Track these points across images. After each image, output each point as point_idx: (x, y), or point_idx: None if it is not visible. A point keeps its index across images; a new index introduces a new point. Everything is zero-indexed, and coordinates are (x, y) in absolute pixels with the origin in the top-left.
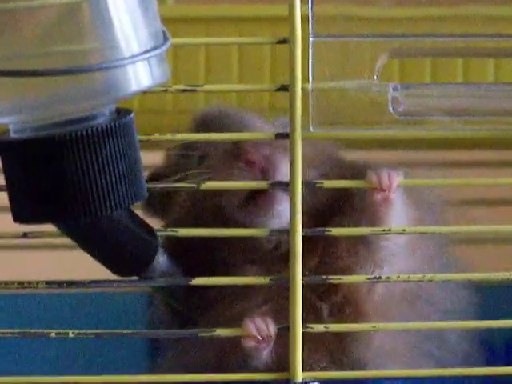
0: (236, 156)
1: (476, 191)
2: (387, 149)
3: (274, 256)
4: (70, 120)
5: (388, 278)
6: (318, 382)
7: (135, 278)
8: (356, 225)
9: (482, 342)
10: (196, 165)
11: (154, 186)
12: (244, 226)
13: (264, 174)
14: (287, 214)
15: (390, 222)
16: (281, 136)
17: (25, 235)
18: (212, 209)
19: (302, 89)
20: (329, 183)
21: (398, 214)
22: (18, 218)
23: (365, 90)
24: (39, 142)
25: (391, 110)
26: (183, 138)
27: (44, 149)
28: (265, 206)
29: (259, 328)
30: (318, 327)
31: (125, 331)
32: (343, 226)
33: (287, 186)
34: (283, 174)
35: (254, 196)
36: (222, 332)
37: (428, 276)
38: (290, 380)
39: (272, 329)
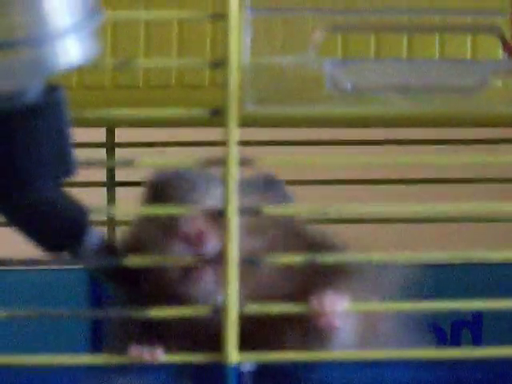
0: (172, 230)
1: (419, 170)
2: (326, 126)
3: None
4: None
5: (323, 257)
6: (253, 364)
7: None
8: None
9: (429, 324)
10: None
11: None
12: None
13: (197, 246)
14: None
15: (334, 346)
16: (215, 113)
17: None
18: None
19: (239, 64)
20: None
21: (342, 337)
22: None
23: (301, 65)
24: None
25: (329, 86)
26: (117, 113)
27: None
28: (199, 281)
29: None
30: (253, 308)
31: (55, 311)
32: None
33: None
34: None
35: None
36: (154, 313)
37: (361, 257)
38: (222, 362)
39: (159, 357)
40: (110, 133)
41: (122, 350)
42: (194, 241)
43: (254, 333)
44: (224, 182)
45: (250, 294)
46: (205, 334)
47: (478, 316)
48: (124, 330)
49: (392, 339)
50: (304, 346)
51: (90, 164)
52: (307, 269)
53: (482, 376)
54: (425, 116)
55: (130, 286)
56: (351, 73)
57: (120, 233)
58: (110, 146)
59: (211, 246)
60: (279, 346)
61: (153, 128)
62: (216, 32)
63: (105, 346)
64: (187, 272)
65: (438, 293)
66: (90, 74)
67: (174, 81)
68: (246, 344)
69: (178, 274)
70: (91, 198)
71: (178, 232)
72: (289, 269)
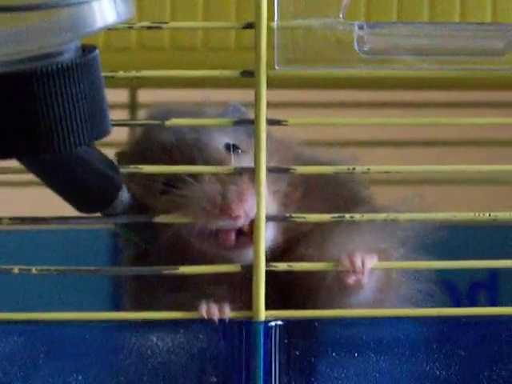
0: (220, 209)
1: (439, 131)
2: (353, 88)
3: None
4: (34, 56)
5: (352, 216)
6: (281, 321)
7: (98, 214)
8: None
9: (446, 284)
10: (161, 188)
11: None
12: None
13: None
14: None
15: (358, 304)
16: (246, 74)
17: None
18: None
19: (268, 27)
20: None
21: (367, 295)
22: None
23: (330, 28)
24: (3, 77)
25: (357, 48)
26: (147, 74)
27: (8, 84)
28: (230, 248)
29: (212, 313)
30: (282, 265)
31: (87, 268)
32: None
33: None
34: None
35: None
36: (184, 270)
37: (392, 215)
38: (252, 318)
39: (226, 313)
40: (133, 94)
41: (144, 306)
42: (236, 217)
43: (281, 289)
44: (254, 142)
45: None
46: (232, 290)
47: (495, 278)
48: (149, 287)
49: (406, 296)
50: (328, 301)
51: (116, 125)
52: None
53: (498, 334)
54: (448, 79)
55: (159, 244)
56: (378, 35)
57: None
58: (133, 106)
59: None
60: (305, 302)
61: (176, 89)
62: None
63: (124, 303)
64: (217, 231)
65: (455, 254)
66: (116, 35)
67: (199, 43)
68: (273, 300)
69: (208, 232)
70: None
71: (227, 214)
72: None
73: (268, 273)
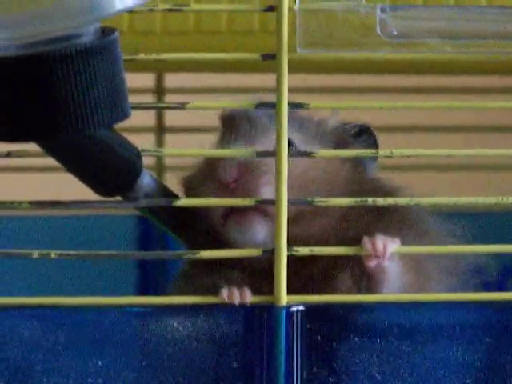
0: (209, 176)
1: (465, 117)
2: (375, 73)
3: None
4: (54, 38)
5: (374, 200)
6: (303, 306)
7: (119, 198)
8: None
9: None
10: None
11: None
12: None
13: (239, 193)
14: (262, 236)
15: (384, 289)
16: (267, 57)
17: (8, 154)
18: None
19: (290, 9)
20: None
21: (392, 281)
22: (0, 137)
23: (352, 11)
24: (23, 59)
25: (379, 32)
26: (168, 57)
27: (27, 67)
28: (240, 225)
29: (233, 298)
30: (303, 250)
31: (107, 252)
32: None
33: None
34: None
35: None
36: (204, 254)
37: (415, 200)
38: (274, 303)
39: (248, 298)
40: (160, 78)
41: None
42: (231, 187)
43: (305, 276)
44: (276, 125)
45: (301, 239)
46: (256, 276)
47: None
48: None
49: (440, 285)
50: (353, 288)
51: (140, 108)
52: (359, 217)
53: None
54: (471, 62)
55: (182, 229)
56: (401, 18)
57: (170, 178)
58: (159, 91)
59: (252, 190)
60: (329, 288)
61: (202, 74)
62: None
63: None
64: (236, 215)
65: (484, 241)
66: (140, 19)
67: (224, 26)
68: (296, 287)
69: (227, 217)
70: (139, 144)
71: (215, 180)
72: (342, 216)
73: (292, 260)
